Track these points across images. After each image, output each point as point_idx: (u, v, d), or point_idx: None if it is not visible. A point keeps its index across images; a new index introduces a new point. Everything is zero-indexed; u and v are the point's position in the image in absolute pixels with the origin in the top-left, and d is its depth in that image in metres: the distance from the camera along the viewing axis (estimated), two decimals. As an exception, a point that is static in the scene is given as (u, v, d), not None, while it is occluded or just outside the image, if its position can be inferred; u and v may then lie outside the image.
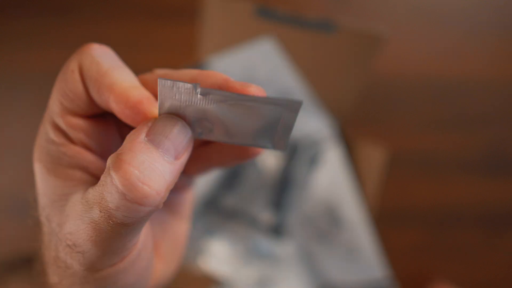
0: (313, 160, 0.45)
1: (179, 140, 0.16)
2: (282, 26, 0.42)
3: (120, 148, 0.15)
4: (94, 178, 0.18)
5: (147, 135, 0.16)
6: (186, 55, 0.50)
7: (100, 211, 0.15)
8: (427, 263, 0.48)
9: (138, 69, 0.57)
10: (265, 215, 0.45)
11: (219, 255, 0.44)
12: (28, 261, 0.23)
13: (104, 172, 0.15)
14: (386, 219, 0.49)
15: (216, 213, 0.45)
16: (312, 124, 0.45)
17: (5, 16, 0.50)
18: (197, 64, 0.45)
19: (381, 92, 0.50)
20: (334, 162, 0.45)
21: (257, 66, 0.44)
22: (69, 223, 0.16)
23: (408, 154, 0.50)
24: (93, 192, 0.16)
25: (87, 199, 0.16)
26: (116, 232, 0.16)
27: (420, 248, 0.49)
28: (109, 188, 0.15)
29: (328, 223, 0.44)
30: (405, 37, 0.51)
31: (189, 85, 0.15)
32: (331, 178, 0.44)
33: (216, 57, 0.44)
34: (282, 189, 0.45)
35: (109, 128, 0.19)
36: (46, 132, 0.18)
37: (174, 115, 0.17)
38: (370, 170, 0.44)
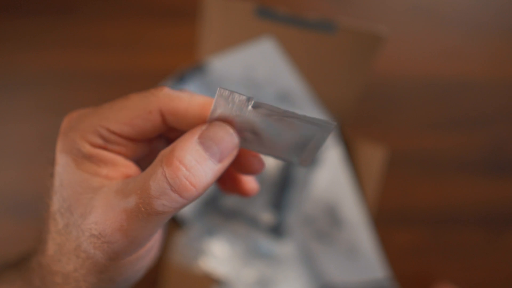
0: (313, 160, 0.45)
1: (226, 146, 0.18)
2: (282, 26, 0.42)
3: (174, 143, 0.18)
4: (122, 175, 0.20)
5: (199, 137, 0.18)
6: (186, 55, 0.50)
7: (139, 198, 0.17)
8: (427, 263, 0.48)
9: (138, 69, 0.56)
10: (265, 215, 0.45)
11: (219, 255, 0.44)
12: (20, 260, 0.23)
13: (154, 163, 0.17)
14: (386, 219, 0.49)
15: (216, 213, 0.45)
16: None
17: (5, 16, 0.50)
18: (196, 64, 0.45)
19: (381, 92, 0.50)
20: (334, 162, 0.45)
21: (257, 66, 0.44)
22: (95, 213, 0.17)
23: (408, 154, 0.50)
24: (134, 181, 0.17)
25: (125, 188, 0.17)
26: (148, 221, 0.17)
27: (420, 248, 0.49)
28: (158, 177, 0.17)
29: (328, 223, 0.44)
30: (405, 37, 0.51)
31: (243, 97, 0.17)
32: (331, 178, 0.44)
33: (216, 57, 0.44)
34: (282, 189, 0.45)
35: (148, 147, 0.21)
36: (84, 133, 0.19)
37: (224, 122, 0.19)
38: (370, 170, 0.44)
